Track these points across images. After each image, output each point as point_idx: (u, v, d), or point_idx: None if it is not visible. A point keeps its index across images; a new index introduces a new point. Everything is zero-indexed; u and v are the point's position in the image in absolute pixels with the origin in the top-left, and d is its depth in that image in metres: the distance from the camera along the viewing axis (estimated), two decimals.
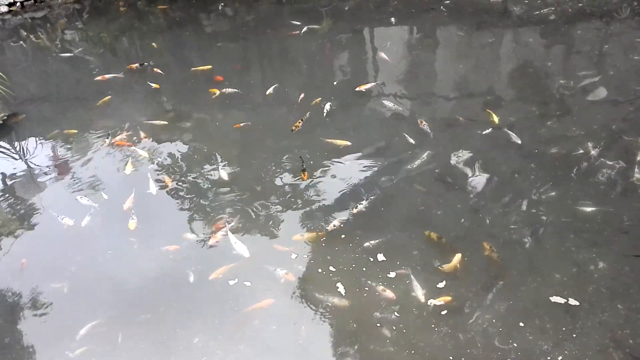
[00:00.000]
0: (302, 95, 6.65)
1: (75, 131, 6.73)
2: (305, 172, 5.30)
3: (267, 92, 6.85)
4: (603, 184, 4.80)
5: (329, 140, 5.77)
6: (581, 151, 5.20)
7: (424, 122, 5.89)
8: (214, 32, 9.82)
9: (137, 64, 8.13)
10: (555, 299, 3.83)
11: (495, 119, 5.74)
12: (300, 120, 6.05)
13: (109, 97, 7.39)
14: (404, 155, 5.48)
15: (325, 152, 5.66)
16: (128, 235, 4.94)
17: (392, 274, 4.16)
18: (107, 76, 7.93)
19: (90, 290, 4.50)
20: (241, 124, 6.31)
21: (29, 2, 12.20)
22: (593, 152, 5.14)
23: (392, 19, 8.79)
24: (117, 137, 6.46)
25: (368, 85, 6.84)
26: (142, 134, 6.48)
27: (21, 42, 10.56)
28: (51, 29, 10.94)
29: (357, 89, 6.75)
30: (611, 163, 5.00)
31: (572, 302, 3.78)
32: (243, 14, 10.25)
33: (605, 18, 7.87)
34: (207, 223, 4.98)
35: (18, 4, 12.10)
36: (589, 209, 4.53)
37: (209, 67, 7.73)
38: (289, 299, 4.13)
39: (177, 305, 4.23)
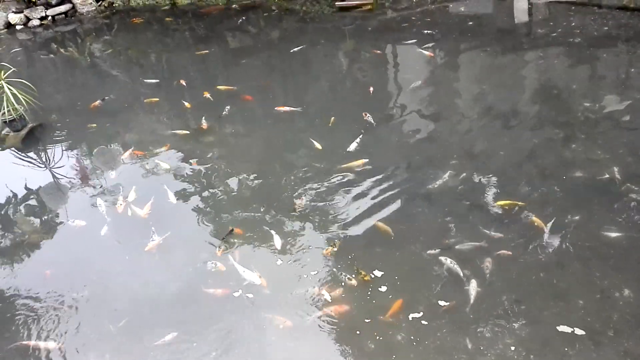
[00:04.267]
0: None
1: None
2: (221, 248, 4.83)
3: (316, 147, 6.16)
4: (628, 209, 4.69)
5: (344, 165, 5.76)
6: (606, 175, 5.11)
7: (368, 115, 6.45)
8: (238, 49, 9.96)
9: (99, 101, 8.03)
10: (562, 328, 3.73)
11: (538, 222, 4.65)
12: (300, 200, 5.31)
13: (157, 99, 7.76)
14: (424, 175, 5.47)
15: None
16: (146, 247, 5.02)
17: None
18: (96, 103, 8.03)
19: (110, 300, 4.55)
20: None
21: (60, 17, 12.56)
22: (618, 177, 5.05)
23: (415, 39, 8.82)
24: (127, 153, 6.61)
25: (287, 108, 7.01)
26: (163, 146, 6.60)
27: (51, 54, 10.85)
28: (80, 43, 11.22)
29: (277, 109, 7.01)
30: (637, 188, 4.90)
31: (578, 332, 3.68)
32: (267, 32, 10.39)
33: (632, 41, 7.79)
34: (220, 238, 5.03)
35: (49, 18, 12.47)
36: (614, 235, 4.43)
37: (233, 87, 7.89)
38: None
39: (194, 318, 4.24)
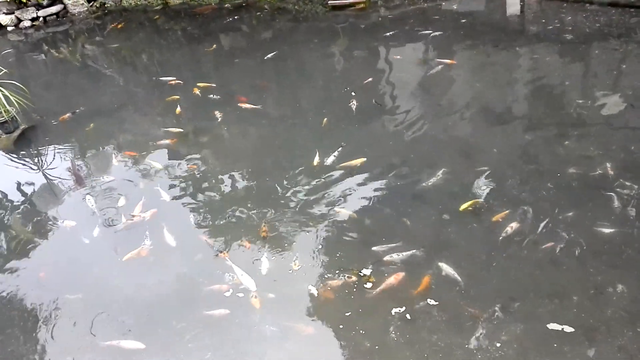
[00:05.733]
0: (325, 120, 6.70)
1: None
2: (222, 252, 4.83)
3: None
4: (622, 204, 4.72)
5: (344, 164, 5.75)
6: (599, 171, 5.13)
7: (353, 101, 6.77)
8: (231, 49, 9.93)
9: (69, 114, 7.80)
10: (552, 326, 3.75)
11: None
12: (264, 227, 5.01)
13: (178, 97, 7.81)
14: (417, 173, 5.48)
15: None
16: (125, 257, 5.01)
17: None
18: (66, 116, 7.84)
19: (105, 301, 4.53)
20: None
21: (52, 17, 12.47)
22: (612, 173, 5.07)
23: (408, 37, 8.82)
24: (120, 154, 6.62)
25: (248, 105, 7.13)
26: (154, 144, 6.62)
27: (42, 55, 10.78)
28: (72, 43, 11.16)
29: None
30: (630, 184, 4.92)
31: (568, 329, 3.70)
32: (260, 32, 10.36)
33: (623, 38, 7.82)
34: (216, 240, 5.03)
35: (41, 19, 12.39)
36: (607, 230, 4.46)
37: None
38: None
39: (189, 319, 4.23)
